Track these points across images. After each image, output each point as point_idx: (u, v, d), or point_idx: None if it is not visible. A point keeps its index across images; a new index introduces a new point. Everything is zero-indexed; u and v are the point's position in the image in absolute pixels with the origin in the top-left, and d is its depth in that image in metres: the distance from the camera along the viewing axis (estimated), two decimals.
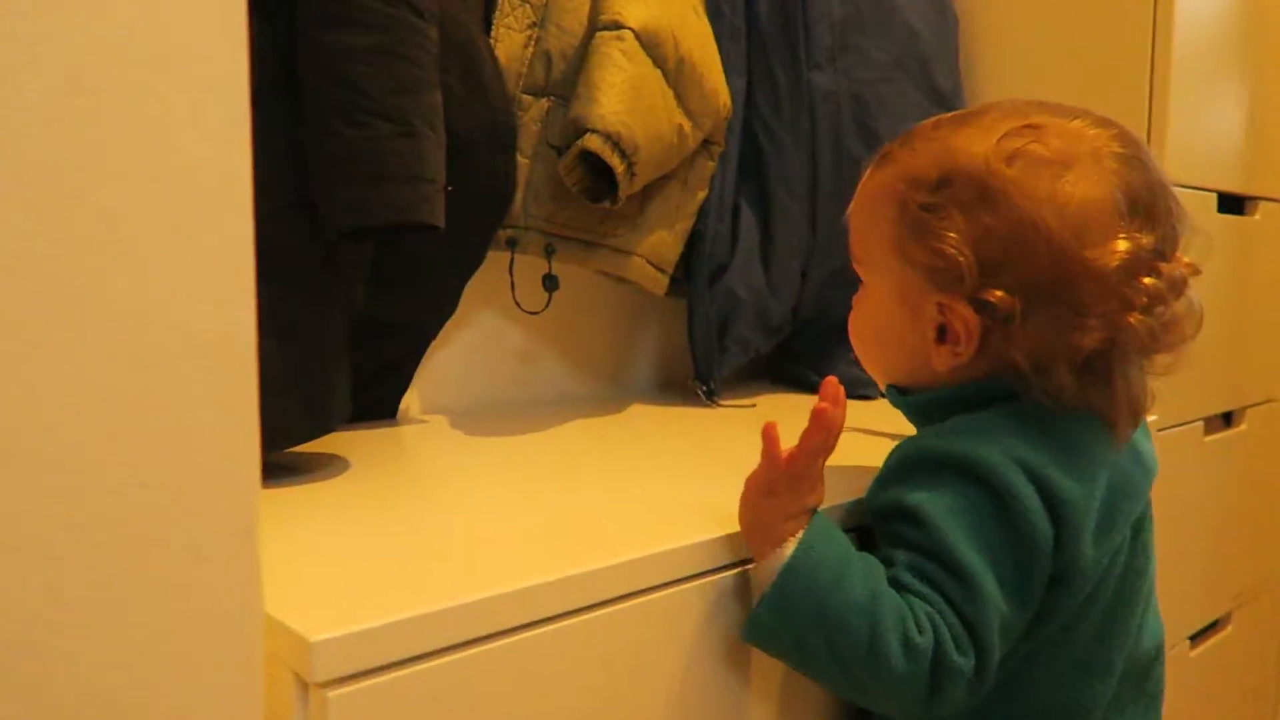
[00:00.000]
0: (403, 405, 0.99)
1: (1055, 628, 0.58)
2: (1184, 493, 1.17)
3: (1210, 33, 1.15)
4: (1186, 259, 0.58)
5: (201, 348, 0.37)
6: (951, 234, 0.57)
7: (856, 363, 1.20)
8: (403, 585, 0.49)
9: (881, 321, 0.64)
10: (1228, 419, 1.31)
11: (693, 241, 1.06)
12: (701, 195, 1.04)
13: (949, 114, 0.64)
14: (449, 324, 0.97)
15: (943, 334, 0.60)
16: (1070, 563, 0.55)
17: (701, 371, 1.10)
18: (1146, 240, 0.55)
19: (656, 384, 1.24)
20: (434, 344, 0.98)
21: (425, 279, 0.91)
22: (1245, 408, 1.33)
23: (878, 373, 0.68)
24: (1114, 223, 0.55)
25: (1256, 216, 1.29)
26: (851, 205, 0.67)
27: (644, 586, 0.54)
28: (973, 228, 0.57)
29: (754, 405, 1.10)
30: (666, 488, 0.72)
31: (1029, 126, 0.58)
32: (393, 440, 0.91)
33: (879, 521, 0.60)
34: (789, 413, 1.11)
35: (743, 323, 1.10)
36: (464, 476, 0.78)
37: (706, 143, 1.02)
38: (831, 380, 0.55)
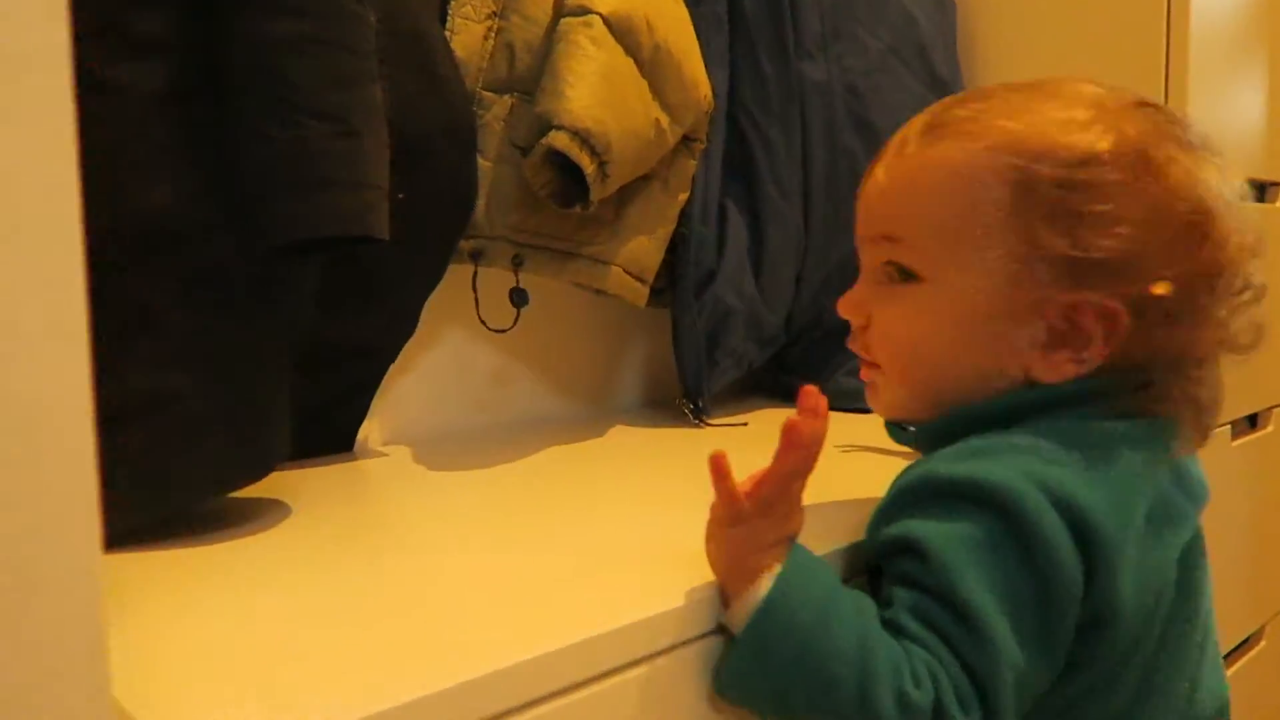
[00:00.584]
0: (361, 436, 0.90)
1: (1090, 682, 0.50)
2: (1214, 501, 1.09)
3: (1227, 13, 1.07)
4: None
5: (18, 406, 0.28)
6: (1115, 211, 0.48)
7: (853, 372, 1.14)
8: (314, 684, 0.40)
9: (954, 330, 0.52)
10: (1253, 420, 1.23)
11: (676, 248, 0.97)
12: (683, 197, 0.95)
13: (1009, 85, 0.55)
14: (410, 345, 0.88)
15: (1051, 339, 0.51)
16: (1106, 605, 0.47)
17: (689, 389, 1.01)
18: (1253, 225, 0.52)
19: (640, 404, 1.15)
20: (393, 368, 0.89)
21: (380, 297, 0.83)
22: (1271, 408, 1.25)
23: (914, 388, 0.56)
24: (1229, 206, 0.51)
25: (1279, 204, 1.21)
26: (885, 180, 0.55)
27: (622, 662, 0.46)
28: (1143, 209, 0.48)
29: (746, 424, 1.02)
30: (652, 527, 0.63)
31: (1150, 105, 0.52)
32: (347, 477, 0.82)
33: (882, 560, 0.51)
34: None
35: (733, 334, 1.02)
36: (422, 522, 0.69)
37: (687, 139, 0.94)
38: (810, 390, 0.47)
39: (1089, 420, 0.50)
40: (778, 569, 0.46)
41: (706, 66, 0.92)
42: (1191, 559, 0.55)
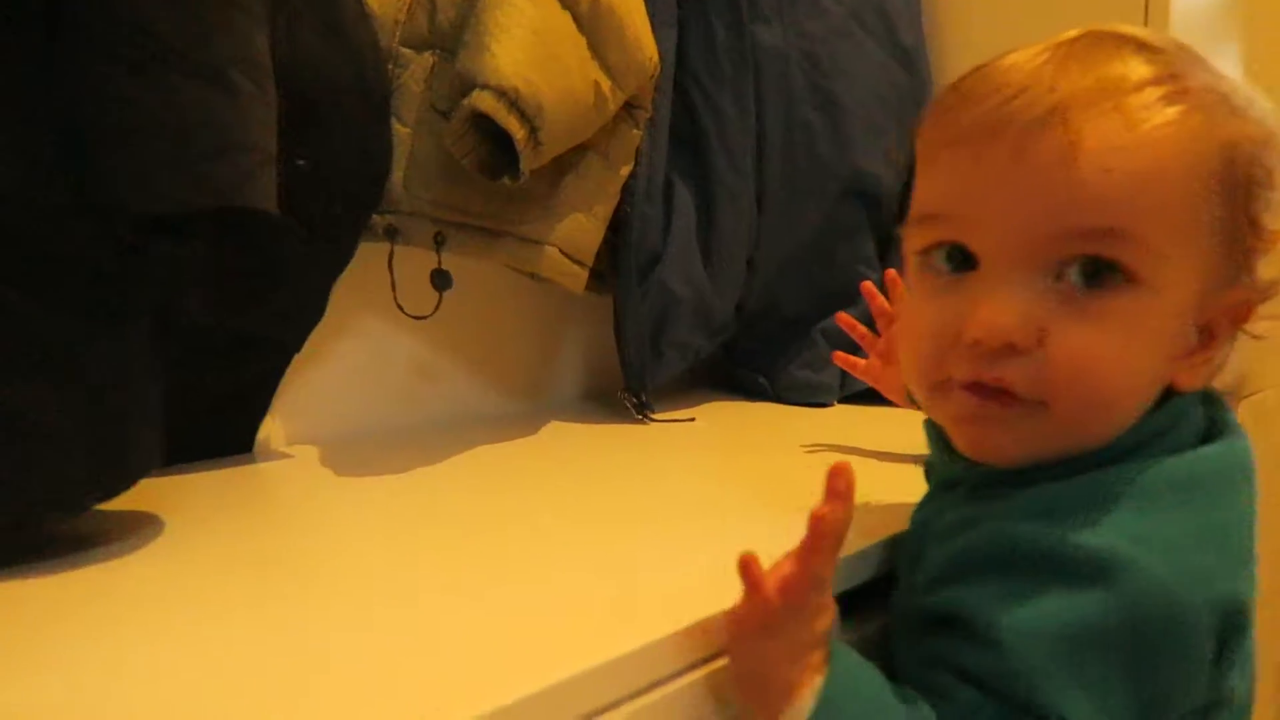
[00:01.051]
0: (261, 436, 0.80)
1: None
2: None
3: (1205, 5, 1.01)
4: None
5: None
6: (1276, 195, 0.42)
7: (808, 364, 1.07)
8: None
9: (1159, 342, 0.42)
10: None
11: (617, 228, 0.88)
12: (626, 171, 0.86)
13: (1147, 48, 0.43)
14: (318, 334, 0.78)
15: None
16: (1226, 689, 0.40)
17: (632, 382, 0.92)
18: None
19: (579, 398, 1.06)
20: (299, 360, 0.79)
21: (278, 280, 0.72)
22: (1237, 400, 1.20)
23: (1068, 437, 0.42)
24: None
25: None
26: (1123, 149, 0.40)
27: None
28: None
29: (694, 419, 0.93)
30: (592, 546, 0.55)
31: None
32: (243, 482, 0.72)
33: (927, 624, 0.43)
34: (734, 425, 0.94)
35: (680, 323, 0.93)
36: (328, 537, 0.59)
37: (630, 107, 0.85)
38: (841, 469, 0.38)
39: (1184, 453, 0.42)
40: (819, 682, 0.38)
41: (653, 26, 0.83)
42: None
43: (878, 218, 1.02)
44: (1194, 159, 0.40)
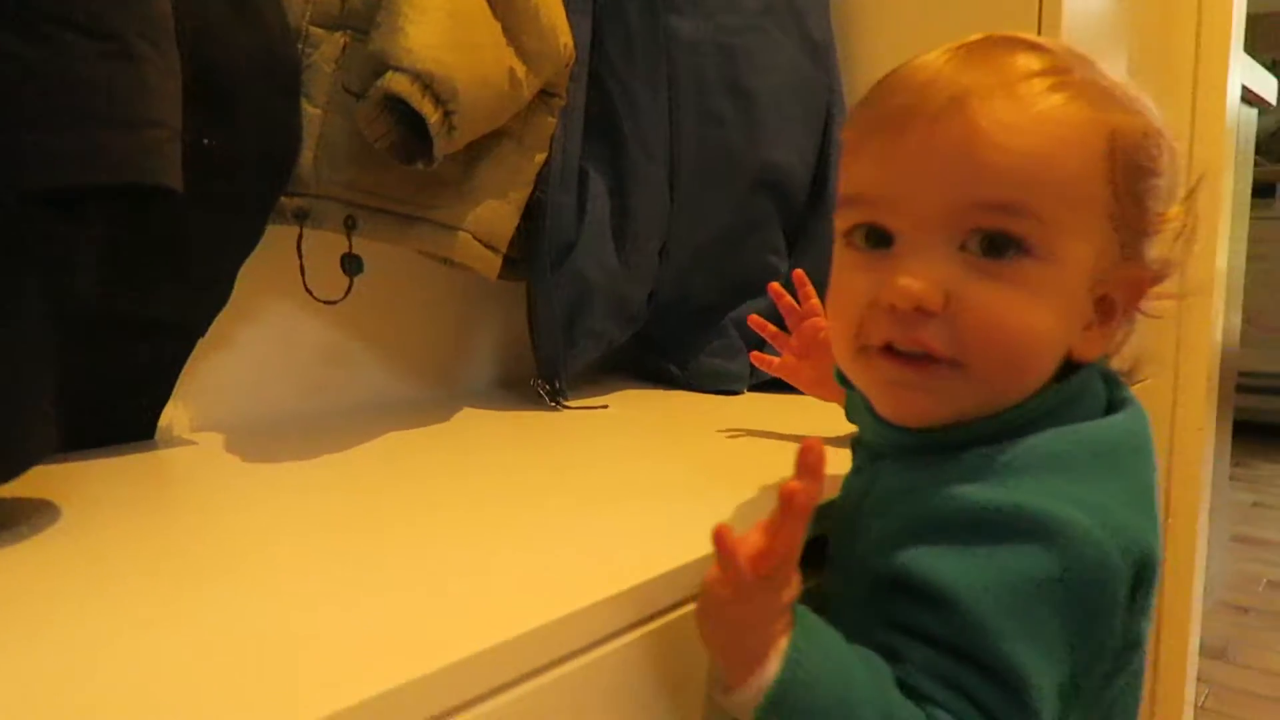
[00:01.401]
0: (164, 422, 0.78)
1: (1106, 710, 0.46)
2: None
3: (1097, 8, 1.06)
4: None
5: None
6: (1161, 183, 0.46)
7: (719, 353, 1.08)
8: None
9: (1060, 311, 0.45)
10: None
11: (532, 214, 0.88)
12: (541, 158, 0.86)
13: (1037, 43, 0.48)
14: (224, 318, 0.76)
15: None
16: (1138, 631, 0.45)
17: (545, 369, 0.92)
18: None
19: (492, 384, 1.06)
20: (206, 344, 0.77)
21: (183, 261, 0.71)
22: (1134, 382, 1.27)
23: (982, 396, 0.46)
24: None
25: None
26: (1016, 128, 0.44)
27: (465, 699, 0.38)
28: (1166, 179, 0.47)
29: (606, 406, 0.94)
30: (504, 528, 0.55)
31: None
32: (144, 469, 0.70)
33: (876, 589, 0.45)
34: (647, 413, 0.95)
35: (594, 311, 0.94)
36: (231, 525, 0.58)
37: (545, 94, 0.85)
38: (814, 444, 0.39)
39: (1099, 421, 0.46)
40: (784, 645, 0.40)
41: (568, 14, 0.84)
42: None
43: (787, 209, 1.04)
44: (1081, 140, 0.44)
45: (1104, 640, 0.42)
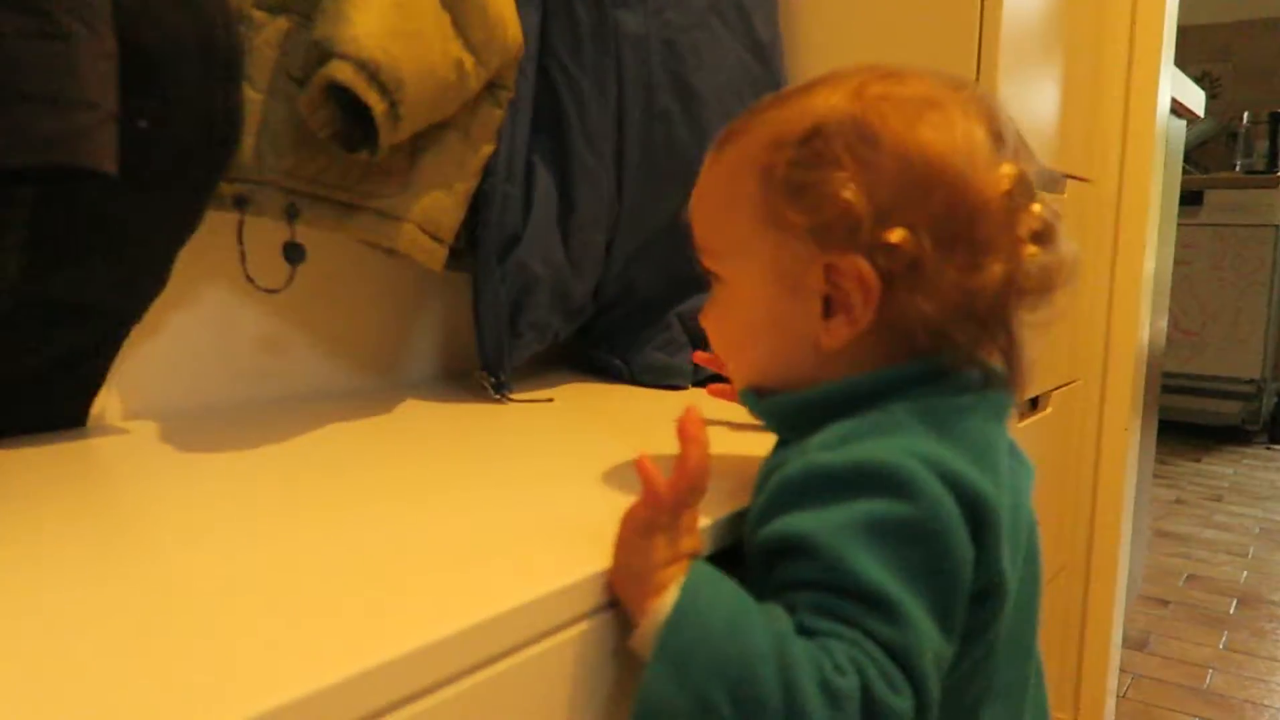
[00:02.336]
0: (97, 410, 0.76)
1: (980, 654, 0.50)
2: None
3: (1036, 8, 1.09)
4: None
5: None
6: (834, 176, 0.50)
7: (663, 347, 1.09)
8: None
9: (753, 313, 0.56)
10: (1033, 403, 1.28)
11: (477, 207, 0.88)
12: (487, 150, 0.86)
13: (787, 88, 0.57)
14: (161, 304, 0.75)
15: (829, 307, 0.52)
16: (993, 574, 0.48)
17: (490, 361, 0.92)
18: (1028, 167, 0.52)
19: (435, 376, 1.05)
20: (140, 330, 0.75)
21: (116, 246, 0.69)
22: (1050, 390, 1.30)
23: (750, 375, 0.59)
24: (994, 153, 0.52)
25: (1064, 195, 1.26)
26: (694, 197, 0.59)
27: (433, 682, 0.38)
28: (859, 169, 0.50)
29: (551, 400, 0.94)
30: (448, 520, 0.55)
31: (887, 75, 0.54)
32: (71, 458, 0.68)
33: (764, 562, 0.49)
34: (592, 407, 0.96)
35: (539, 304, 0.94)
36: (163, 516, 0.57)
37: (493, 86, 0.84)
38: (691, 417, 0.47)
39: (935, 398, 0.51)
40: (682, 579, 0.45)
41: (516, 6, 0.83)
42: (1032, 527, 0.57)
43: None
44: (731, 183, 0.55)
45: (956, 575, 0.45)
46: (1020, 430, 1.21)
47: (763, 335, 0.56)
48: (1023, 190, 0.51)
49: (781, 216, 0.52)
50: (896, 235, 0.49)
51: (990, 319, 0.51)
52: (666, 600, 0.44)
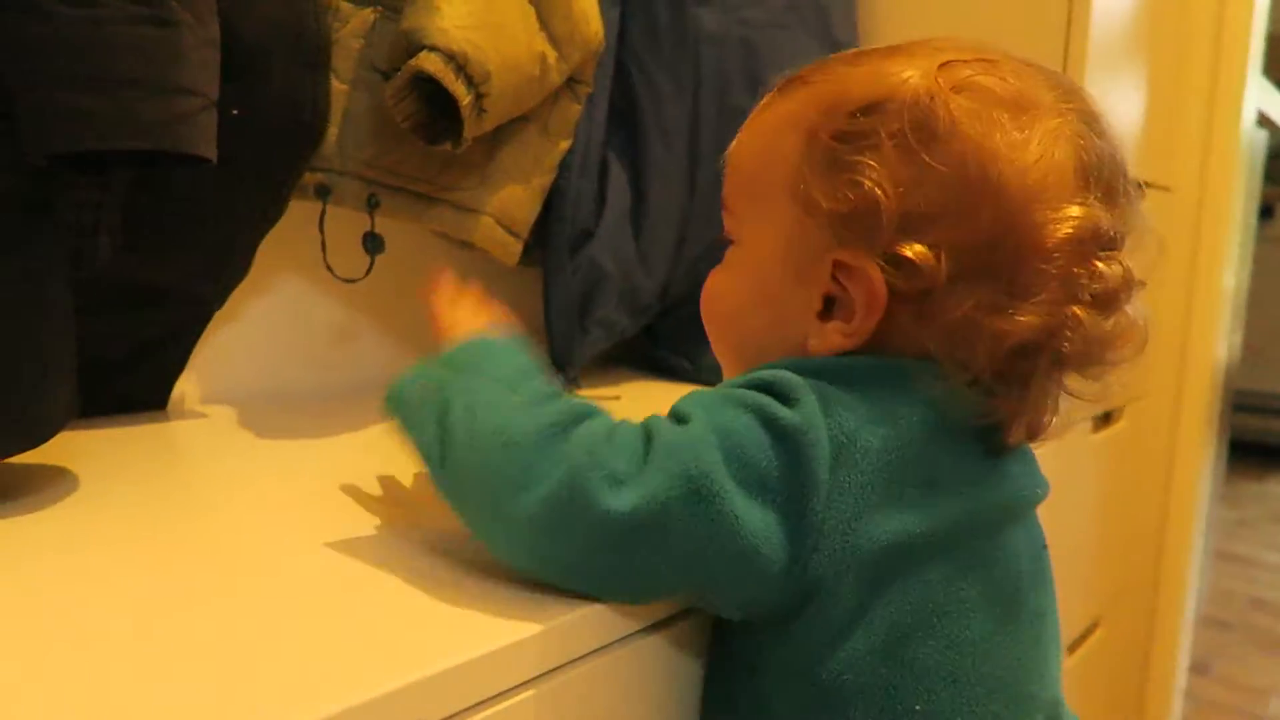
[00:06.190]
0: (176, 393, 0.77)
1: (879, 635, 0.41)
2: (1067, 492, 1.10)
3: (1121, 14, 1.06)
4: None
5: None
6: (872, 165, 0.43)
7: None
8: None
9: (753, 288, 0.49)
10: (1105, 415, 1.25)
11: (550, 202, 0.88)
12: (565, 145, 0.86)
13: (872, 46, 0.50)
14: (241, 291, 0.76)
15: (829, 307, 0.46)
16: (848, 516, 0.41)
17: (559, 356, 0.92)
18: (1104, 216, 0.43)
19: None
20: (220, 317, 0.76)
21: (203, 232, 0.70)
22: (1123, 405, 1.27)
23: (729, 359, 0.53)
24: (1072, 187, 0.43)
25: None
26: (735, 141, 0.52)
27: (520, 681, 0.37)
28: (902, 164, 0.43)
29: (619, 397, 0.94)
30: None
31: (983, 58, 0.46)
32: (153, 441, 0.69)
33: None
34: (658, 404, 0.95)
35: (608, 301, 0.94)
36: (244, 500, 0.57)
37: (572, 81, 0.84)
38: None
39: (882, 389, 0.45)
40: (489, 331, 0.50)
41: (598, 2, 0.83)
42: (984, 537, 0.45)
43: None
44: (774, 136, 0.48)
45: (803, 480, 0.40)
46: (1090, 443, 1.18)
47: (759, 311, 0.49)
48: (1092, 240, 0.43)
49: (807, 192, 0.46)
50: (913, 250, 0.42)
51: (1007, 373, 0.43)
52: (476, 331, 0.49)
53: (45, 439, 0.52)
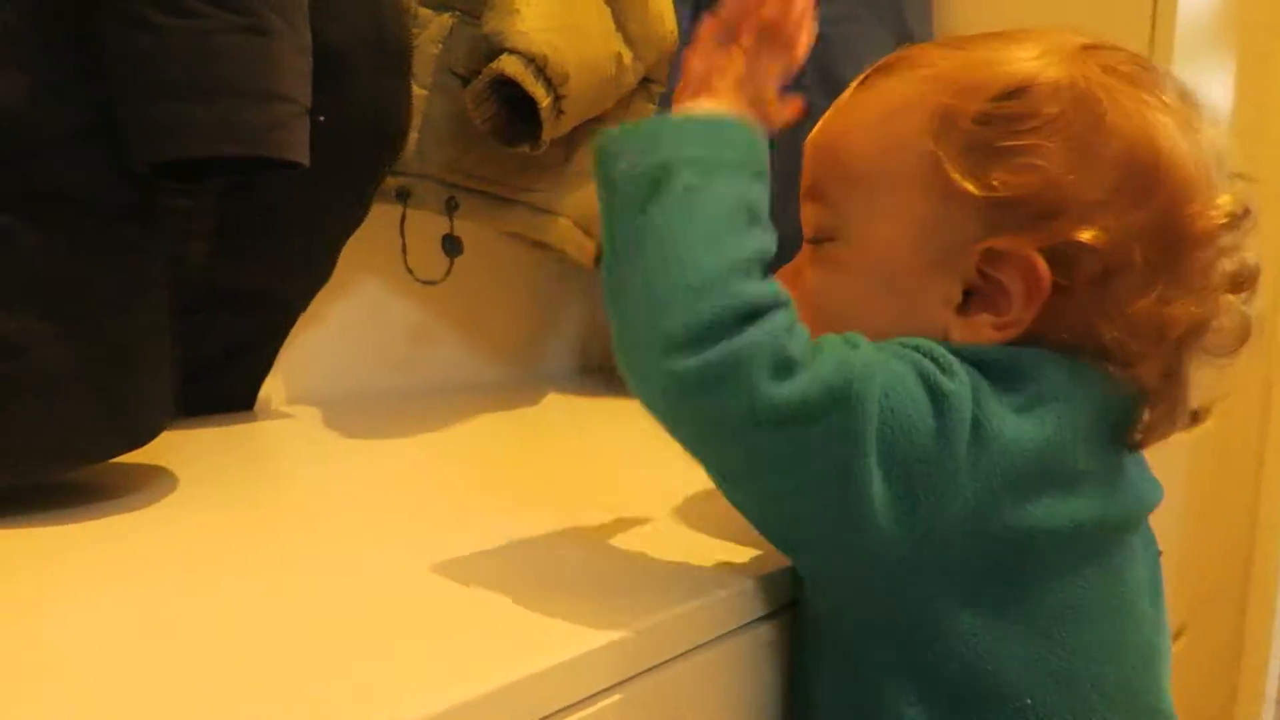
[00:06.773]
0: (263, 394, 0.79)
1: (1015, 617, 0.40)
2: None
3: (1207, 8, 1.03)
4: None
5: None
6: (1047, 147, 0.41)
7: None
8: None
9: (871, 282, 0.46)
10: (1193, 414, 1.21)
11: None
12: None
13: (957, 36, 0.48)
14: (323, 294, 0.77)
15: (967, 300, 0.43)
16: (973, 488, 0.39)
17: None
18: (1242, 205, 0.43)
19: (576, 370, 1.06)
20: (303, 319, 0.78)
21: (288, 236, 0.71)
22: (1211, 403, 1.23)
23: None
24: (1215, 175, 0.43)
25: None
26: (825, 127, 0.49)
27: (591, 691, 0.37)
28: (1069, 148, 0.41)
29: None
30: (591, 521, 0.54)
31: (1100, 45, 0.44)
32: (243, 441, 0.71)
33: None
34: None
35: None
36: (332, 498, 0.58)
37: (646, 80, 0.84)
38: None
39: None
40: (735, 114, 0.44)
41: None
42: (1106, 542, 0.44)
43: None
44: (888, 120, 0.45)
45: (940, 449, 0.38)
46: (1177, 443, 1.14)
47: (883, 307, 0.46)
48: (1238, 230, 0.42)
49: (946, 178, 0.43)
50: (1089, 234, 0.40)
51: (1170, 365, 0.42)
52: (714, 105, 0.43)
53: (148, 440, 0.54)
